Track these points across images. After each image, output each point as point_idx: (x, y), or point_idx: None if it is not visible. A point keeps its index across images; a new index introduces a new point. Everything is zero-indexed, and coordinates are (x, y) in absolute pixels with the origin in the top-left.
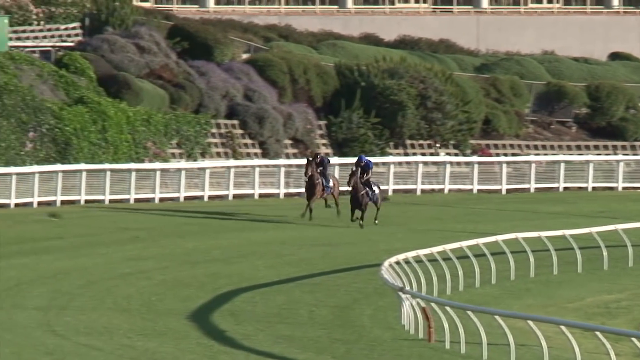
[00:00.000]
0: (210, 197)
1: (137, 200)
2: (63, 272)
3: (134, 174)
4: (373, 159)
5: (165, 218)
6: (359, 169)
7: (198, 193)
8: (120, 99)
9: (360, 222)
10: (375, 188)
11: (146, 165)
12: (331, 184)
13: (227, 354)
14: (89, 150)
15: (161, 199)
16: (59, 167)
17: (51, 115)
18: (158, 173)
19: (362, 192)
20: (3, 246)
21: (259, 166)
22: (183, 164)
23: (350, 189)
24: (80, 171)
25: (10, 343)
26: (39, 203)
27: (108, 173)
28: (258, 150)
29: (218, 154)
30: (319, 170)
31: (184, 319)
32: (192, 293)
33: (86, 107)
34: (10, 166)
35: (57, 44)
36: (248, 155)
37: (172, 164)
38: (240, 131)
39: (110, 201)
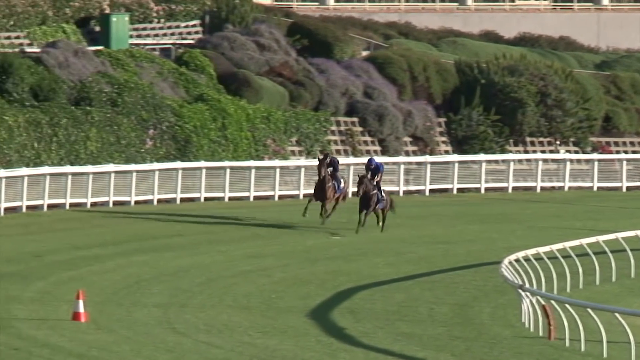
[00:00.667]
0: None
1: (256, 198)
2: (183, 270)
3: (253, 171)
4: (490, 156)
5: (285, 215)
6: (369, 172)
7: None
8: (240, 96)
9: (362, 223)
10: (384, 195)
11: (266, 163)
12: (342, 185)
13: (347, 351)
14: (208, 147)
15: (280, 197)
16: (178, 164)
17: (171, 113)
18: (277, 170)
19: (373, 192)
20: (123, 244)
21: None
22: (302, 161)
23: (360, 194)
24: (200, 169)
25: (130, 340)
26: (159, 200)
27: (228, 170)
28: (377, 148)
29: (337, 152)
30: (329, 172)
31: (304, 316)
32: (312, 290)
33: (206, 104)
34: (131, 163)
35: (177, 42)
36: (367, 152)
37: (292, 162)
38: (359, 128)
39: (230, 199)
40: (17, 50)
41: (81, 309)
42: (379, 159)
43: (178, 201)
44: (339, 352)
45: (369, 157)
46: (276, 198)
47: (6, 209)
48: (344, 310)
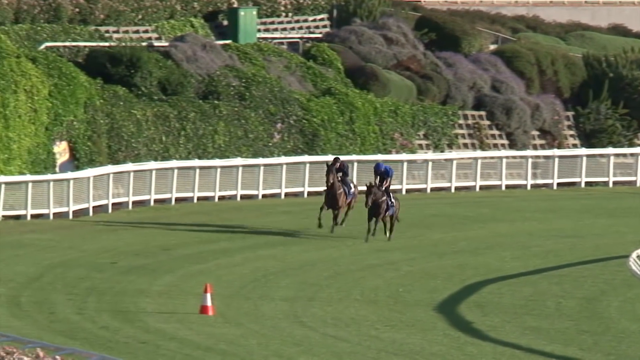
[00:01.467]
0: (456, 189)
1: None
2: (310, 264)
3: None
4: (618, 150)
5: (412, 209)
6: (377, 178)
7: (445, 184)
8: (367, 90)
9: (373, 232)
10: (394, 200)
11: (393, 157)
12: (353, 189)
13: (474, 345)
14: (336, 141)
15: (408, 190)
16: (306, 158)
17: (299, 107)
18: (405, 164)
19: (382, 199)
20: (251, 237)
21: (506, 157)
22: (430, 155)
23: (369, 204)
24: (327, 163)
25: (257, 334)
26: (286, 194)
27: (355, 164)
28: (505, 142)
29: (465, 145)
30: (339, 177)
31: (431, 310)
32: (439, 284)
33: (334, 98)
34: (259, 157)
35: (305, 36)
36: (495, 146)
37: (419, 155)
38: (487, 122)
39: (358, 192)
40: (145, 44)
41: (209, 303)
42: (506, 152)
43: (305, 195)
44: (466, 346)
45: (376, 162)
46: (403, 192)
47: (134, 203)
48: (471, 304)
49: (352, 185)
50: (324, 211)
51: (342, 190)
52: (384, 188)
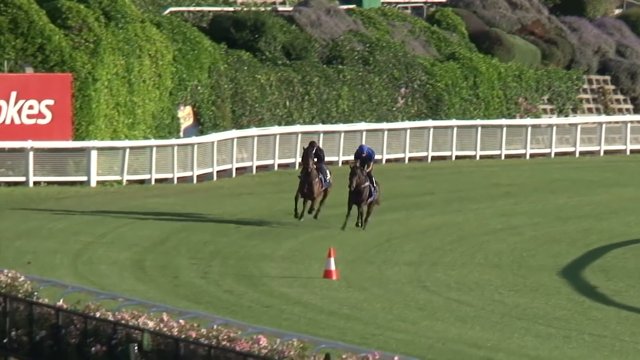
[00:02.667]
0: (581, 153)
1: (507, 156)
2: (434, 228)
3: (505, 129)
4: None
5: (536, 174)
6: (358, 161)
7: (569, 149)
8: (491, 55)
9: (360, 222)
10: (376, 186)
11: (517, 121)
12: (328, 176)
13: (598, 310)
14: (460, 106)
15: (532, 155)
16: (430, 123)
17: (422, 72)
18: (529, 129)
19: (365, 185)
20: None
21: (631, 122)
22: (554, 119)
23: (352, 187)
24: (451, 127)
25: (381, 298)
26: (410, 159)
27: (479, 129)
28: (630, 106)
29: (589, 110)
30: (314, 164)
31: (555, 274)
32: (563, 249)
33: (457, 63)
34: (382, 122)
35: (429, 0)
36: (619, 110)
37: (544, 120)
38: (612, 87)
39: (481, 157)
40: (269, 9)
41: (332, 267)
42: (631, 117)
43: (429, 160)
44: (590, 311)
45: (359, 145)
46: (527, 157)
47: (258, 167)
48: (595, 269)
49: (328, 172)
50: (299, 200)
51: (318, 178)
52: (366, 172)
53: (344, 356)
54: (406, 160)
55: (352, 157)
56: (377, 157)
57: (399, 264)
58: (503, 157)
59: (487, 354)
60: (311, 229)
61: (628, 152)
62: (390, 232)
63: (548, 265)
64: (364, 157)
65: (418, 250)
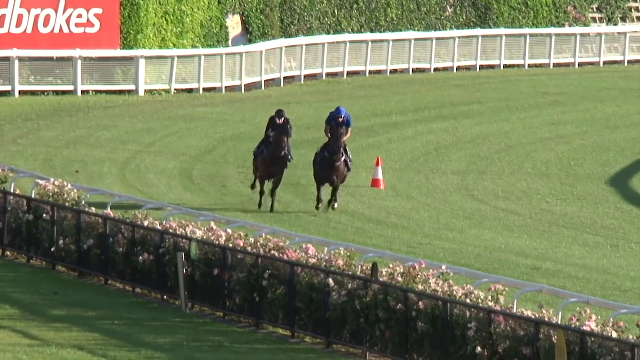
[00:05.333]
0: (629, 62)
1: (555, 65)
2: (481, 137)
3: (553, 38)
4: None
5: (585, 82)
6: (329, 126)
7: (618, 57)
8: None
9: (334, 203)
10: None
11: (566, 30)
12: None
13: None
14: (508, 14)
15: (580, 64)
16: (478, 31)
17: None
18: (578, 37)
19: (341, 159)
20: (422, 110)
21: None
22: (603, 28)
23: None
24: (499, 36)
25: (429, 207)
26: (458, 68)
27: (527, 37)
28: None
29: (638, 18)
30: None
31: (603, 183)
32: (611, 158)
33: None
34: (430, 30)
35: None
36: None
37: (592, 29)
38: None
39: (529, 65)
40: None
41: (380, 176)
42: (631, 27)
43: (477, 69)
44: (638, 220)
45: (336, 106)
46: (576, 65)
47: (306, 76)
48: None
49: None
50: (258, 183)
51: (287, 153)
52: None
53: (390, 265)
54: (454, 69)
55: (400, 65)
56: (426, 65)
57: (447, 172)
58: (551, 66)
59: (534, 263)
60: (359, 137)
61: None
62: (437, 141)
63: (596, 174)
64: (339, 122)
65: (466, 159)
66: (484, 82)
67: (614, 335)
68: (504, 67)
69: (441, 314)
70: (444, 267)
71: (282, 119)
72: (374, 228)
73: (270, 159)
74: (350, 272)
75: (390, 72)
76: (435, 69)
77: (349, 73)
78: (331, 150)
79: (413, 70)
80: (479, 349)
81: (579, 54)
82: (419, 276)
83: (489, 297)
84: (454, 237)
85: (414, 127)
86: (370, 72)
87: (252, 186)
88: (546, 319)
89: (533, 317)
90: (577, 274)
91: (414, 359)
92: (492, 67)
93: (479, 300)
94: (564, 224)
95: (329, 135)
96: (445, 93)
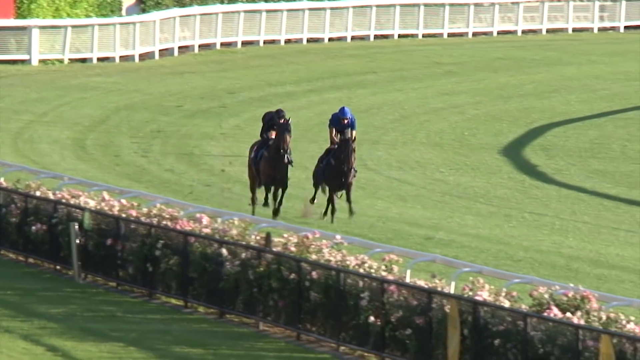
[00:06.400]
0: (523, 32)
1: (450, 35)
2: (375, 107)
3: (447, 7)
4: None
5: (478, 53)
6: (334, 129)
7: (512, 27)
8: None
9: (351, 210)
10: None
11: (459, 0)
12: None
13: (539, 188)
14: None
15: (474, 33)
16: (372, 1)
17: None
18: (472, 7)
19: (353, 165)
20: (317, 80)
21: (574, 0)
22: None
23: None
24: (393, 5)
25: None
26: (352, 37)
27: (422, 7)
28: None
29: None
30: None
31: (496, 153)
32: (505, 127)
33: None
34: (325, 0)
35: None
36: None
37: None
38: None
39: (424, 35)
40: None
41: None
42: None
43: (372, 38)
44: (531, 189)
45: (340, 107)
46: (470, 35)
47: (201, 46)
48: (536, 147)
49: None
50: (258, 191)
51: (288, 160)
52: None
53: (284, 235)
54: (349, 39)
55: (294, 35)
56: (320, 35)
57: None
58: (446, 36)
59: (427, 233)
60: (253, 108)
61: (570, 31)
62: (331, 110)
63: (489, 144)
64: (344, 124)
65: (360, 129)
66: (378, 52)
67: (507, 304)
68: (398, 37)
69: (334, 283)
70: (338, 237)
71: (283, 119)
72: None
73: (272, 161)
74: (244, 242)
75: (285, 42)
76: (329, 39)
77: (243, 43)
78: (340, 159)
79: (308, 40)
80: (372, 318)
81: (473, 24)
82: (312, 246)
83: (383, 267)
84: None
85: (308, 97)
86: (265, 42)
87: (253, 201)
88: (439, 289)
89: (426, 287)
90: (471, 244)
91: (307, 328)
92: (386, 37)
93: (373, 270)
94: (458, 194)
95: (336, 140)
96: (340, 63)
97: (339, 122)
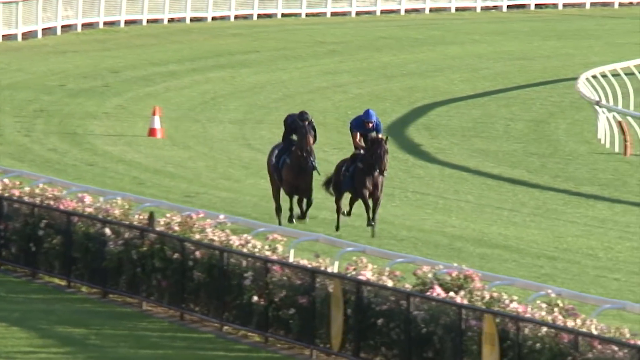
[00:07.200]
0: (406, 11)
1: (333, 14)
2: (259, 86)
3: None
4: None
5: (362, 32)
6: (358, 134)
7: (395, 6)
8: None
9: (372, 222)
10: None
11: None
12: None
13: (422, 167)
14: None
15: (357, 12)
16: None
17: None
18: None
19: (386, 167)
20: (200, 60)
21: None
22: None
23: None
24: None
25: (205, 156)
26: (236, 17)
27: None
28: None
29: None
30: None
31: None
32: (388, 107)
33: None
34: None
35: None
36: None
37: None
38: None
39: (307, 15)
40: None
41: (157, 125)
42: None
43: (255, 17)
44: (414, 169)
45: (365, 110)
46: (353, 14)
47: (84, 25)
48: (420, 127)
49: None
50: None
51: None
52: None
53: (168, 215)
54: (232, 18)
55: (178, 14)
56: (204, 15)
57: (224, 122)
58: (329, 15)
59: (310, 212)
60: (136, 87)
61: (453, 10)
62: (215, 90)
63: None
64: (368, 128)
65: (243, 109)
66: (261, 32)
67: (390, 284)
68: (281, 16)
69: (218, 263)
70: (221, 216)
71: (307, 121)
72: (151, 178)
73: (295, 168)
74: (127, 222)
75: (168, 21)
76: (213, 18)
77: (126, 22)
78: (371, 161)
79: (191, 20)
80: (255, 298)
81: (356, 3)
82: (196, 226)
83: (267, 247)
84: (231, 187)
85: (191, 77)
86: (148, 21)
87: (278, 210)
88: (322, 269)
89: (309, 266)
90: (354, 223)
91: (191, 308)
92: (269, 16)
93: (256, 250)
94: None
95: (361, 145)
96: (223, 42)
97: (363, 126)
